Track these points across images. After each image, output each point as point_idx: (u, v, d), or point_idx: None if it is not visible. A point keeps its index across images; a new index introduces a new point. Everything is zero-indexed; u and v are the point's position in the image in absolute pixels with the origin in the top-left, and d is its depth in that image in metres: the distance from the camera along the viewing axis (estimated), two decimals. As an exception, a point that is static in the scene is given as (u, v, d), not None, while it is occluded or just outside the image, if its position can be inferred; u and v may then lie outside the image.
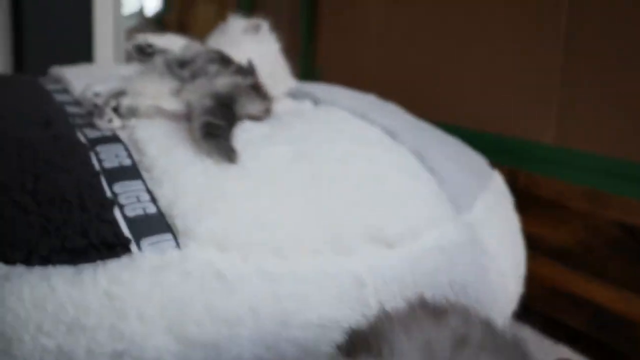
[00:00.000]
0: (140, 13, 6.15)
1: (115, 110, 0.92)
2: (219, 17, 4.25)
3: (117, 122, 0.92)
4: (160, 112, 0.95)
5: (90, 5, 2.62)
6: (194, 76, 0.97)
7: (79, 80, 1.15)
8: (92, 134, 0.92)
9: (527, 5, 1.56)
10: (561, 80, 1.45)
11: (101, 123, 0.92)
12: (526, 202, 1.27)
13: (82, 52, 2.52)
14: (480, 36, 1.72)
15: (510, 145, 1.61)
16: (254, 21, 1.24)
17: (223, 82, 0.96)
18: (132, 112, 0.93)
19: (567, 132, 1.43)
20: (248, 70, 1.04)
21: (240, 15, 1.26)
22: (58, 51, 2.31)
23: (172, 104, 0.95)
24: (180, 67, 1.00)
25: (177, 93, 0.97)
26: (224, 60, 1.02)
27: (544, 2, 1.50)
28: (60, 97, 1.11)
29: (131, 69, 1.04)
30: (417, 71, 1.98)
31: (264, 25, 1.24)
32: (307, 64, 2.58)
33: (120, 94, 0.95)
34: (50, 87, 1.20)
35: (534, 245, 1.28)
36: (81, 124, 0.96)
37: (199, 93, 0.94)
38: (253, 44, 1.19)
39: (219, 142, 0.83)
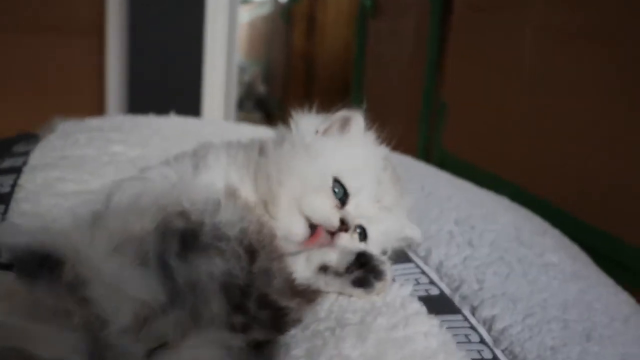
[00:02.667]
0: (272, 1, 5.82)
1: None
2: (352, 8, 3.71)
3: None
4: None
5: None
6: (185, 293, 0.49)
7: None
8: None
9: None
10: None
11: None
12: None
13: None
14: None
15: None
16: (341, 114, 0.70)
17: None
18: None
19: None
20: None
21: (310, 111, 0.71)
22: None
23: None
24: (182, 250, 0.50)
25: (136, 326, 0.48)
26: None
27: None
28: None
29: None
30: (579, 140, 1.31)
31: (358, 119, 0.69)
32: (431, 99, 1.97)
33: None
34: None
35: None
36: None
37: None
38: (339, 151, 0.67)
39: None
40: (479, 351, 0.59)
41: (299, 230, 0.61)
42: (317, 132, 0.69)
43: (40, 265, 0.46)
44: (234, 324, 0.48)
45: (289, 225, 0.61)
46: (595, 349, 0.62)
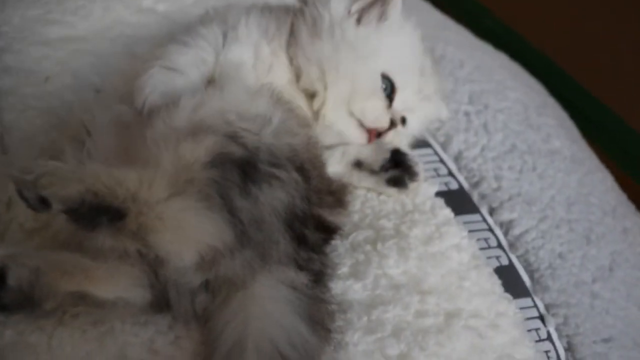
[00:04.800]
0: None
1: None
2: None
3: None
4: None
5: None
6: (252, 233, 0.47)
7: None
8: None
9: None
10: None
11: None
12: None
13: None
14: None
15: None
16: None
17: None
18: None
19: None
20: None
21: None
22: None
23: None
24: (243, 182, 0.47)
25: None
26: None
27: None
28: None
29: None
30: None
31: (395, 1, 0.62)
32: None
33: None
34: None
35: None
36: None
37: None
38: (384, 44, 0.62)
39: None
40: (497, 257, 0.64)
41: (356, 133, 0.61)
42: (349, 12, 0.63)
43: (98, 215, 0.42)
44: (298, 260, 0.48)
45: (341, 128, 0.61)
46: (593, 251, 0.68)
